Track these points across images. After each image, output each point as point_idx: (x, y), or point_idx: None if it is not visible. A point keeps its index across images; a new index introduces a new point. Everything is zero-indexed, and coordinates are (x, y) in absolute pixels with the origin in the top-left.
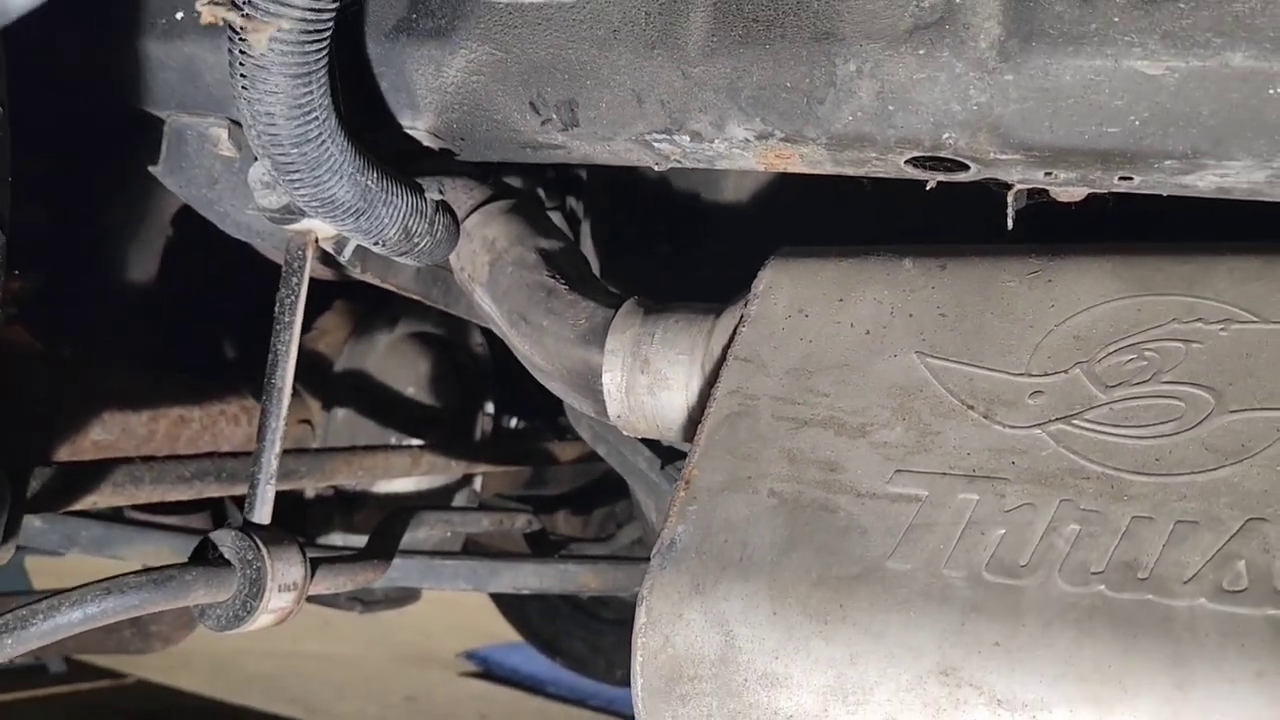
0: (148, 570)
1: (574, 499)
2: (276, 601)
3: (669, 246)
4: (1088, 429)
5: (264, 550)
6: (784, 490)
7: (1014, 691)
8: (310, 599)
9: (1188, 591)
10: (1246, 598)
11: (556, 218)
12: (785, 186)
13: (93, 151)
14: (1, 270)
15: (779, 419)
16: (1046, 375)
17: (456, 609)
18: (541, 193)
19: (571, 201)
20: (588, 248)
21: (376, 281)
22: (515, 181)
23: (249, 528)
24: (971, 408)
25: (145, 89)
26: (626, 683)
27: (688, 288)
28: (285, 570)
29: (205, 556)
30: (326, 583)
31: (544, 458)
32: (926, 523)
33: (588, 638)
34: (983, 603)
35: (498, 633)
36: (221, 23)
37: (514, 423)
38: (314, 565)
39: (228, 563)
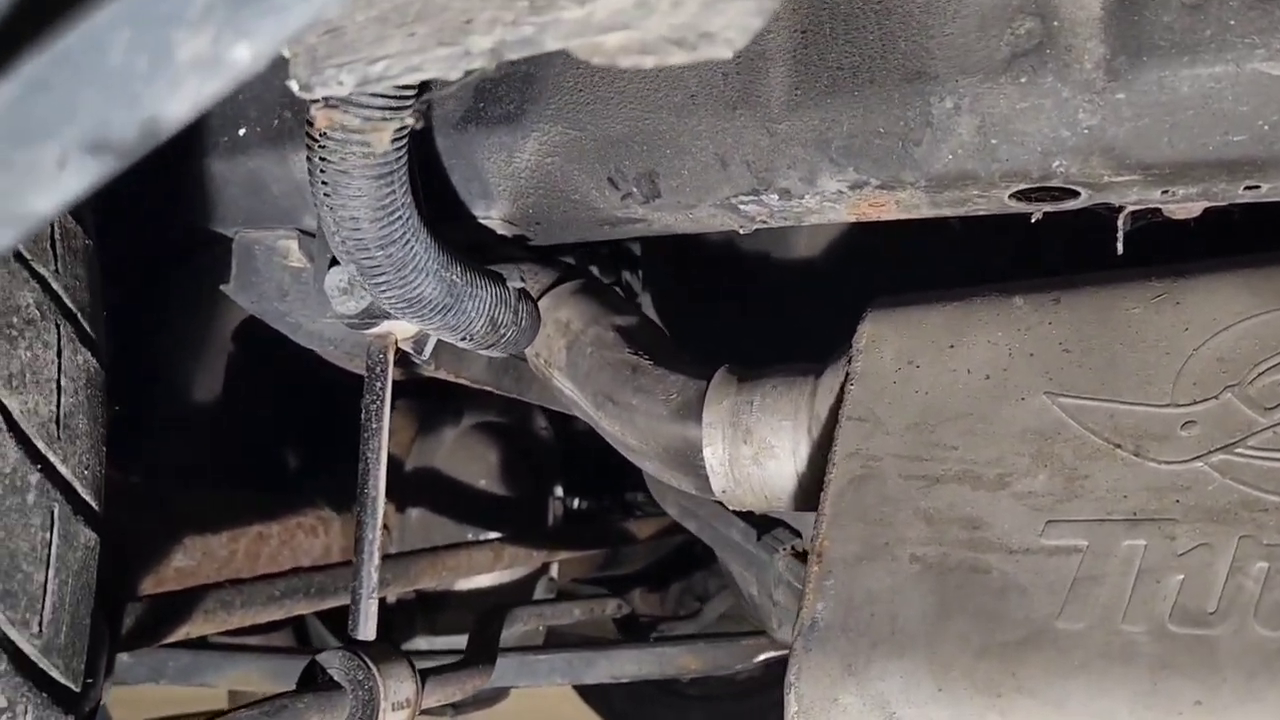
0: (260, 702)
1: (649, 577)
2: None
3: (735, 310)
4: (1254, 457)
5: (374, 669)
6: (927, 554)
7: None
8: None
9: None
10: None
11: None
12: (846, 241)
13: (149, 276)
14: (102, 406)
15: (908, 478)
16: (1196, 404)
17: (536, 700)
18: (595, 270)
19: (628, 275)
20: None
21: (449, 376)
22: (568, 261)
23: (355, 645)
24: (1119, 446)
25: (211, 208)
26: None
27: (761, 350)
28: (397, 687)
29: (314, 680)
30: (437, 694)
31: (620, 537)
32: (1092, 575)
33: (674, 716)
34: (1173, 658)
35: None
36: (339, 129)
37: (576, 504)
38: (423, 677)
39: (338, 685)
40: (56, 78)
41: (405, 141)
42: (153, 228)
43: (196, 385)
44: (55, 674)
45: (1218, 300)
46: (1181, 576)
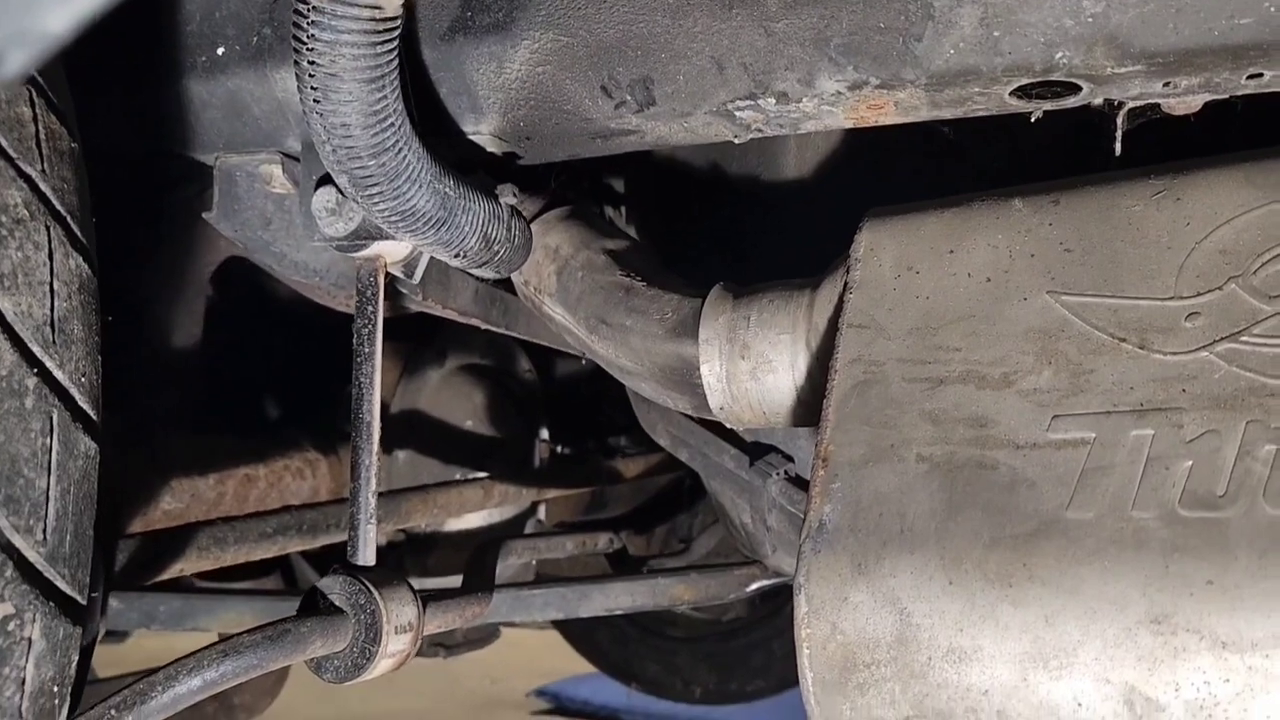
0: (262, 627)
1: (634, 519)
2: (394, 645)
3: (719, 233)
4: (1260, 344)
5: (375, 593)
6: (933, 454)
7: (1239, 631)
8: None
9: None
10: None
11: None
12: (822, 164)
13: (125, 217)
14: (96, 314)
15: (911, 381)
16: (1199, 295)
17: (520, 648)
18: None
19: (611, 211)
20: None
21: (436, 309)
22: (549, 185)
23: (354, 571)
24: (1123, 340)
25: (190, 132)
26: (705, 701)
27: (746, 273)
28: (399, 611)
29: (315, 606)
30: (438, 620)
31: (608, 477)
32: (1100, 466)
33: (660, 659)
34: (1184, 541)
35: (564, 667)
36: None
37: (561, 448)
38: (424, 604)
39: (340, 610)
40: None
41: (396, 43)
42: (130, 157)
43: (177, 328)
44: (61, 584)
45: (1219, 194)
46: (1190, 463)
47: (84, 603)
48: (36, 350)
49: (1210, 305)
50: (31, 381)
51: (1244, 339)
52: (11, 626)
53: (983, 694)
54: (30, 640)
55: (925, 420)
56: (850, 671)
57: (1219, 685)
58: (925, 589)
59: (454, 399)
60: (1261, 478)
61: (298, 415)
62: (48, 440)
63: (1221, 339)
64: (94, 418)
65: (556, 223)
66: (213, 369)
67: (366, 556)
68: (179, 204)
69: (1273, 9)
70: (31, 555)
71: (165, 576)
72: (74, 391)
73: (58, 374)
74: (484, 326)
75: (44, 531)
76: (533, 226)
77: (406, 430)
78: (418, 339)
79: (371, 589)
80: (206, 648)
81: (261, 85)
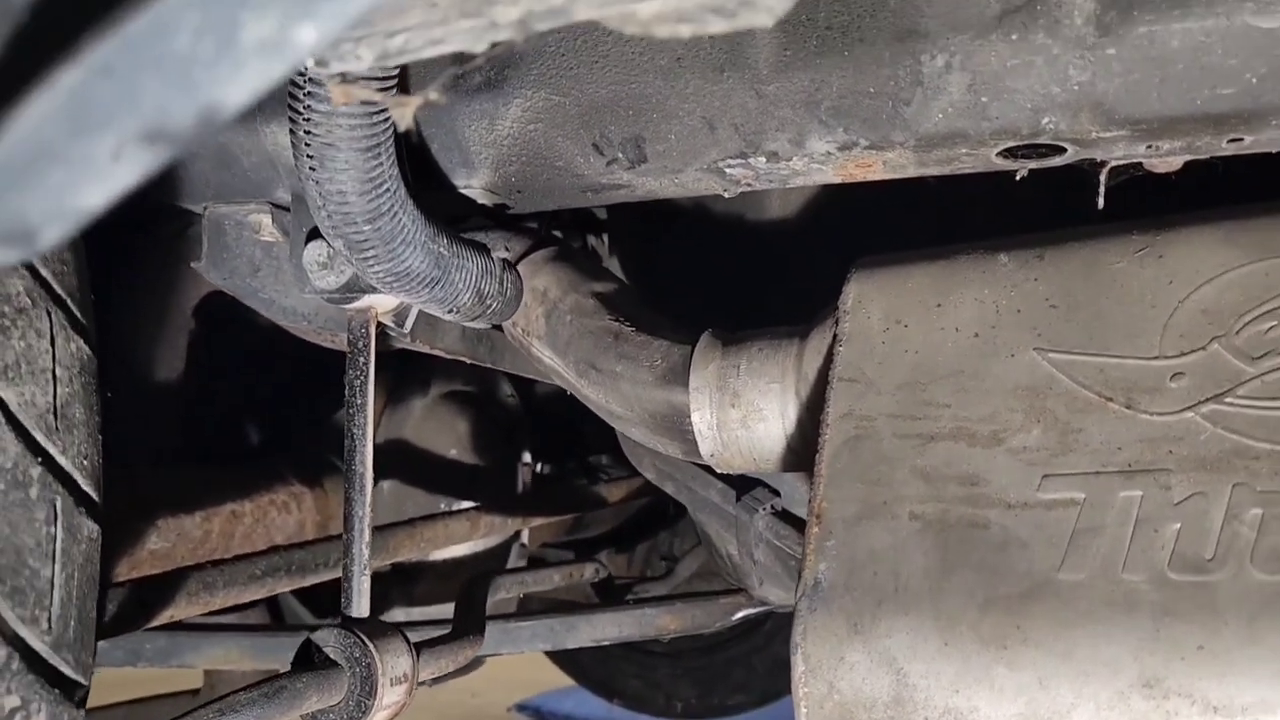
0: (257, 685)
1: (616, 538)
2: (390, 696)
3: (705, 273)
4: (1244, 406)
5: (370, 645)
6: (926, 512)
7: (1230, 696)
8: None
9: None
10: None
11: None
12: (821, 204)
13: (106, 253)
14: (97, 395)
15: (902, 437)
16: (1184, 355)
17: (501, 662)
18: (561, 236)
19: (593, 240)
20: None
21: (425, 348)
22: (533, 226)
23: (349, 623)
24: (1110, 399)
25: (179, 183)
26: (687, 715)
27: (732, 310)
28: (394, 663)
29: (310, 660)
30: (432, 667)
31: (592, 501)
32: (1091, 527)
33: (642, 674)
34: (1174, 605)
35: (545, 681)
36: (356, 102)
37: (542, 469)
38: (417, 650)
39: (335, 664)
40: (121, 63)
41: (389, 114)
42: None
43: (159, 362)
44: (66, 669)
45: (1200, 253)
46: (1178, 525)
47: (87, 684)
48: (40, 438)
49: (1194, 365)
50: (36, 471)
51: (1228, 400)
52: (18, 719)
53: None
54: None
55: (917, 477)
56: None
57: None
58: (921, 649)
59: (438, 428)
60: (1249, 541)
61: (281, 443)
62: (52, 528)
63: (1206, 400)
64: (96, 499)
65: (544, 264)
66: (194, 400)
67: (361, 608)
68: (161, 241)
69: (1253, 80)
70: (37, 645)
71: (156, 623)
72: (77, 476)
73: (61, 460)
74: (470, 362)
75: (49, 620)
76: (521, 268)
77: (391, 461)
78: (401, 366)
79: (366, 641)
80: (201, 707)
81: (251, 138)
